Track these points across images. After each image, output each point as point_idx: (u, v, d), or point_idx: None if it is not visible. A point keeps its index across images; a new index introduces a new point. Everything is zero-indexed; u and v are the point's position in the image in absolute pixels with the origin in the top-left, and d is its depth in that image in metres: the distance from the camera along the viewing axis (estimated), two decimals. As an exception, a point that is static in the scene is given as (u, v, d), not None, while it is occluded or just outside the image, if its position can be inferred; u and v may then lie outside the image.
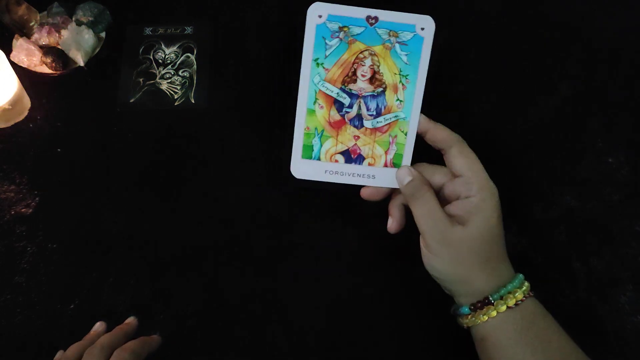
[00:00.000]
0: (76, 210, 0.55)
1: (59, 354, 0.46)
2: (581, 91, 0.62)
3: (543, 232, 0.55)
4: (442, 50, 0.64)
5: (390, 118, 0.47)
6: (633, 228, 0.55)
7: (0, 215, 0.55)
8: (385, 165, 0.48)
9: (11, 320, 0.50)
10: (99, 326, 0.49)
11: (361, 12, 0.46)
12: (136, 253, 0.53)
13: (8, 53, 0.61)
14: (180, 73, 0.63)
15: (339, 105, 0.47)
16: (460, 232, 0.43)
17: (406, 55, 0.47)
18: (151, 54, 0.64)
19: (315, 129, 0.47)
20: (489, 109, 0.61)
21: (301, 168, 0.48)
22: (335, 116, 0.47)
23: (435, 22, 0.46)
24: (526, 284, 0.44)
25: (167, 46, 0.64)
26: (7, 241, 0.54)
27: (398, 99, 0.47)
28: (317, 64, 0.46)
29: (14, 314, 0.51)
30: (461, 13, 0.66)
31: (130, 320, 0.50)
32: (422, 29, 0.46)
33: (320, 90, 0.47)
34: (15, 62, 0.61)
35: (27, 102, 0.60)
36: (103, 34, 0.64)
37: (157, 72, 0.63)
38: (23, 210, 0.55)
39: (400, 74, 0.47)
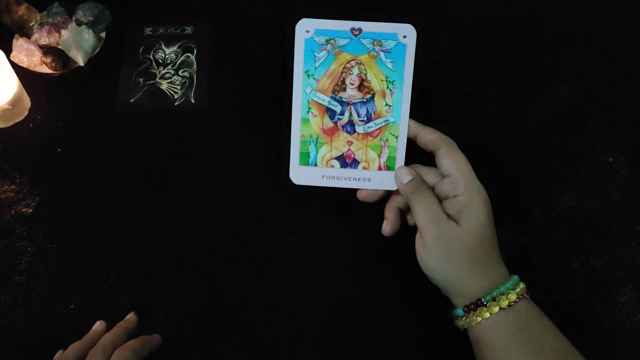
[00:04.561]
0: (76, 210, 0.55)
1: (59, 353, 0.46)
2: (581, 91, 0.62)
3: (542, 232, 0.55)
4: (443, 50, 0.64)
5: (381, 122, 0.49)
6: (633, 228, 0.55)
7: (0, 215, 0.55)
8: (380, 169, 0.49)
9: (11, 320, 0.50)
10: (98, 325, 0.49)
11: (346, 25, 0.49)
12: (136, 253, 0.53)
13: (8, 53, 0.61)
14: (180, 73, 0.63)
15: (331, 113, 0.49)
16: (454, 228, 0.44)
17: (391, 62, 0.49)
18: (151, 54, 0.64)
19: (310, 136, 0.49)
20: (489, 109, 0.61)
21: (299, 174, 0.50)
22: (329, 123, 0.49)
23: (417, 29, 0.48)
24: (521, 285, 0.44)
25: (167, 46, 0.64)
26: (7, 241, 0.54)
27: (387, 104, 0.49)
28: (308, 75, 0.49)
29: (14, 314, 0.51)
30: (462, 13, 0.66)
31: (130, 316, 0.50)
32: (404, 36, 0.49)
33: (312, 100, 0.49)
34: (15, 62, 0.61)
35: (27, 102, 0.60)
36: (103, 34, 0.64)
37: (157, 72, 0.63)
38: (23, 210, 0.55)
39: (387, 80, 0.49)
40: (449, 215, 0.45)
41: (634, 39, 0.64)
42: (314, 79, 0.49)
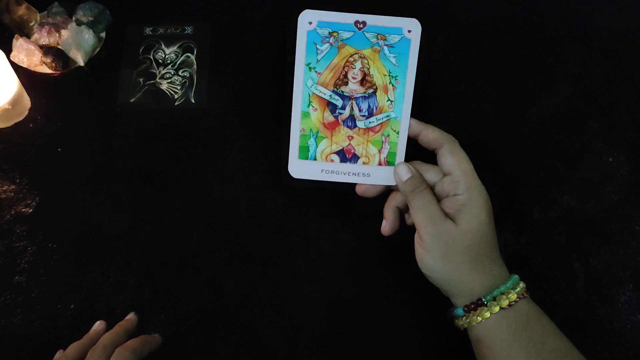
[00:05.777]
0: (76, 210, 0.55)
1: (59, 353, 0.46)
2: (581, 91, 0.62)
3: (542, 232, 0.55)
4: (443, 50, 0.64)
5: (382, 118, 0.49)
6: (633, 228, 0.55)
7: (0, 215, 0.55)
8: (380, 164, 0.49)
9: (11, 320, 0.50)
10: (98, 325, 0.49)
11: (350, 18, 0.48)
12: (136, 253, 0.53)
13: (8, 53, 0.61)
14: (180, 73, 0.63)
15: (332, 107, 0.49)
16: (452, 228, 0.44)
17: (394, 57, 0.48)
18: (151, 54, 0.64)
19: (310, 130, 0.49)
20: (489, 109, 0.61)
21: (298, 168, 0.49)
22: (329, 117, 0.49)
23: (422, 24, 0.48)
24: (521, 284, 0.44)
25: (167, 46, 0.64)
26: (7, 241, 0.54)
27: (389, 99, 0.49)
28: (310, 68, 0.48)
29: (14, 314, 0.51)
30: (462, 13, 0.66)
31: (130, 316, 0.50)
32: (409, 31, 0.48)
33: (313, 93, 0.48)
34: (15, 62, 0.61)
35: (27, 102, 0.60)
36: (103, 34, 0.64)
37: (157, 72, 0.63)
38: (23, 210, 0.55)
39: (389, 75, 0.48)
40: (447, 214, 0.45)
41: (634, 39, 0.64)
42: (316, 72, 0.48)
